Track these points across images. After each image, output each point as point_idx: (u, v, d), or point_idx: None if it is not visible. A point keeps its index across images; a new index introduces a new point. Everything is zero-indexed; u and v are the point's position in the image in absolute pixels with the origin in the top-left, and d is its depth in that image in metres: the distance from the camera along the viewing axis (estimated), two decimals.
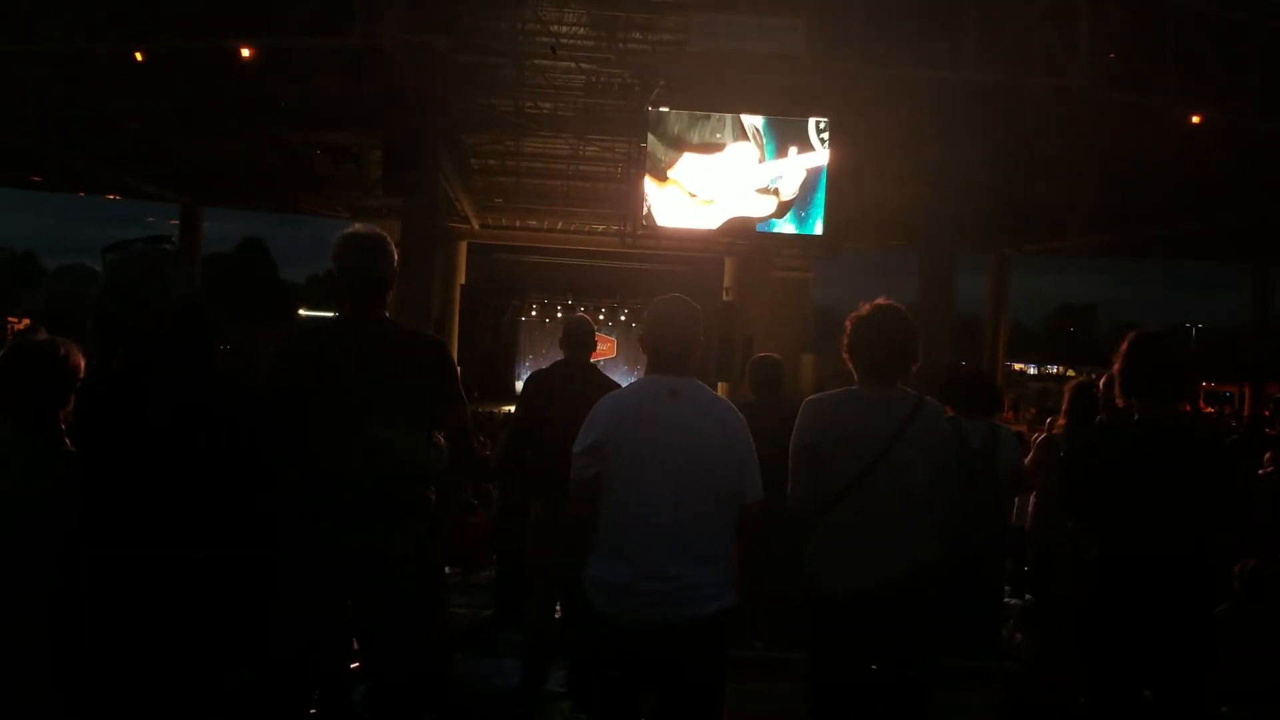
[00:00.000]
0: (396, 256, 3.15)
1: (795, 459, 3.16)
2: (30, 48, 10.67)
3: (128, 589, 2.60)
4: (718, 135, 12.05)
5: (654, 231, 12.57)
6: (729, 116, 11.99)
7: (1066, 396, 5.58)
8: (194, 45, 10.73)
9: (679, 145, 12.02)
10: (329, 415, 2.94)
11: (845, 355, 3.24)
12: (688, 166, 12.03)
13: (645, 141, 12.14)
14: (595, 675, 3.17)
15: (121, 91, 12.35)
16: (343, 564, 2.94)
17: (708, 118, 11.97)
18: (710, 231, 12.72)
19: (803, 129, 12.21)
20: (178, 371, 2.71)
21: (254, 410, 2.84)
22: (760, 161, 12.17)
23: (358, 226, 3.20)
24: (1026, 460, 5.61)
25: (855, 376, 3.21)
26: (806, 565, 3.15)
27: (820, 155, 12.26)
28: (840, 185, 12.90)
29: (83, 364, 2.78)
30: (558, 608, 4.68)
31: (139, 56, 10.73)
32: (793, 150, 12.20)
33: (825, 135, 12.19)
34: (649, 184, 12.04)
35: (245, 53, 10.59)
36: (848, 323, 3.24)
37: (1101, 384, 4.97)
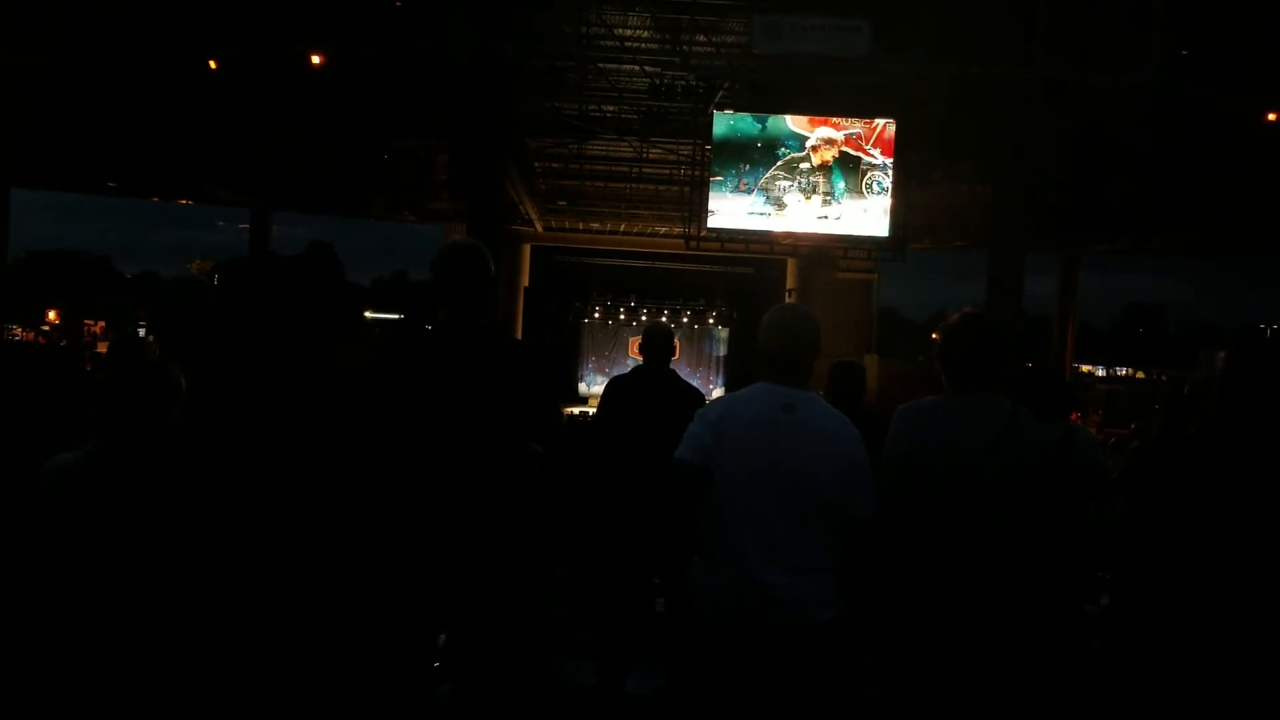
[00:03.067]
0: (493, 266, 3.20)
1: (888, 466, 3.12)
2: (105, 57, 10.94)
3: (227, 595, 2.65)
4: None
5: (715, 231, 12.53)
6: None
7: (1164, 401, 5.46)
8: (265, 52, 10.94)
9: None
10: (428, 422, 2.98)
11: (938, 364, 3.20)
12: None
13: (709, 144, 12.14)
14: (696, 680, 3.16)
15: (195, 99, 12.63)
16: (437, 567, 2.98)
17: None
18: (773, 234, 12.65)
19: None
20: (289, 373, 2.75)
21: (354, 407, 2.88)
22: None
23: (459, 237, 3.26)
24: (1115, 464, 5.51)
25: (947, 385, 3.17)
26: (897, 572, 3.11)
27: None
28: (906, 186, 12.78)
29: (184, 382, 2.79)
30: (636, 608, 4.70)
31: (212, 65, 10.97)
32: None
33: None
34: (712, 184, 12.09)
35: (315, 59, 10.78)
36: (937, 332, 3.20)
37: (1186, 390, 4.86)
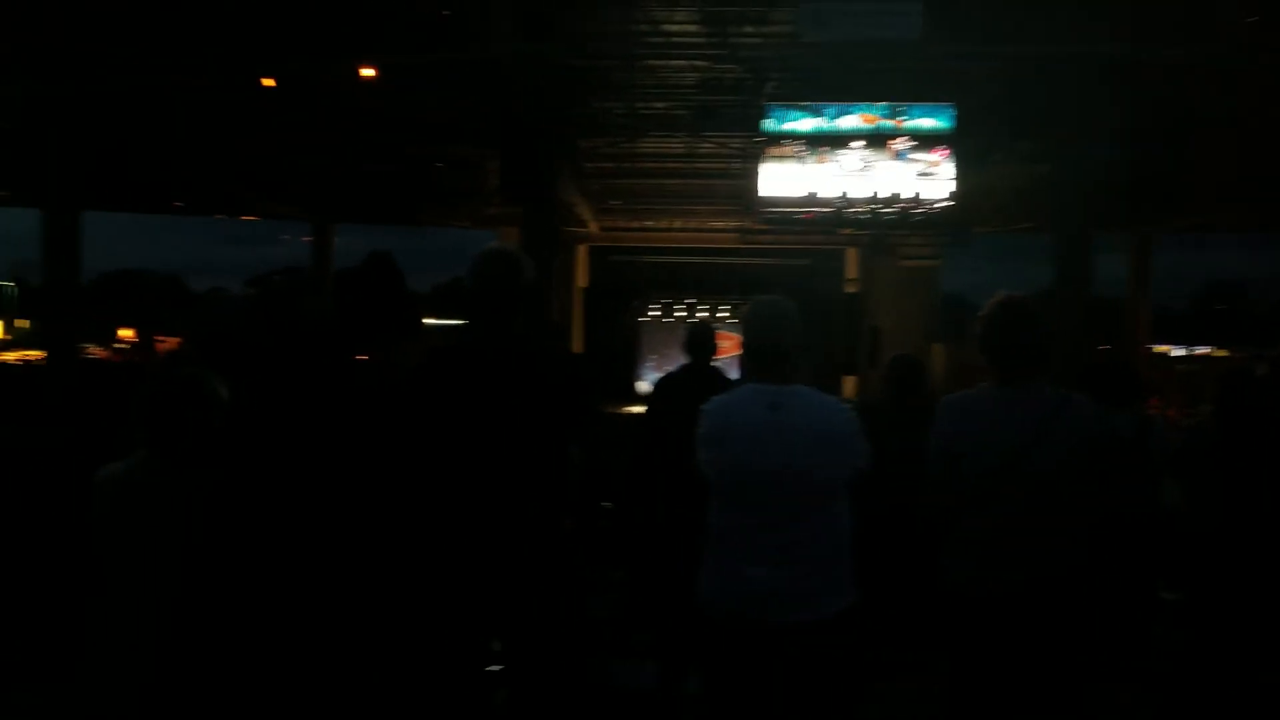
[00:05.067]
0: (530, 272, 3.19)
1: (933, 460, 3.07)
2: (165, 81, 11.17)
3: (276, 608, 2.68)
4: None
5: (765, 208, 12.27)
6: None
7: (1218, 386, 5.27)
8: (318, 69, 11.07)
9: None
10: (463, 430, 3.00)
11: (980, 352, 3.14)
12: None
13: (761, 136, 11.99)
14: (715, 679, 3.15)
15: (253, 118, 12.86)
16: (484, 573, 2.99)
17: None
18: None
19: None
20: (316, 391, 2.80)
21: (390, 418, 2.92)
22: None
23: (494, 243, 3.28)
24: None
25: (991, 374, 3.10)
26: (944, 567, 3.05)
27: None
28: (967, 169, 12.51)
29: (227, 394, 2.85)
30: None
31: (268, 83, 11.14)
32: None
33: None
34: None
35: (366, 73, 10.88)
36: (978, 320, 3.14)
37: (1266, 368, 4.68)
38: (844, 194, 11.91)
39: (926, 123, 12.04)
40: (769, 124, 11.92)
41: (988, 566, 2.96)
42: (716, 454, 2.92)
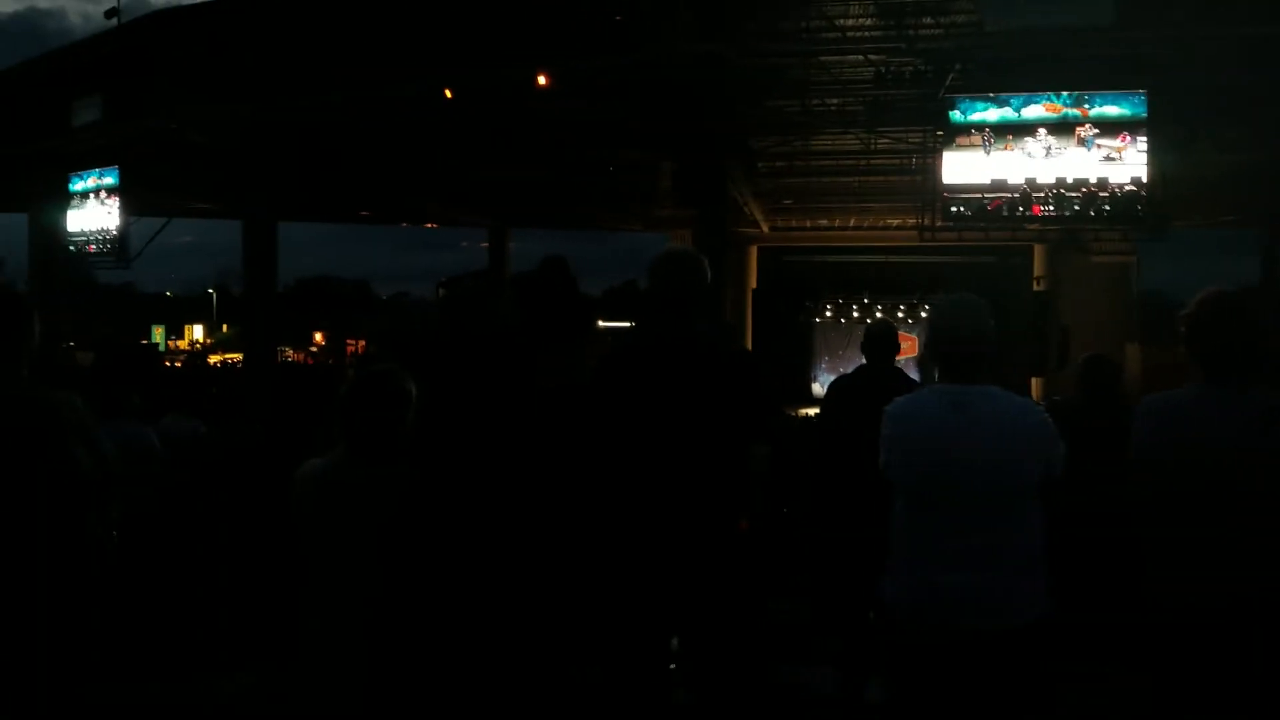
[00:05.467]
0: (709, 273, 3.18)
1: (1135, 466, 2.88)
2: (350, 95, 11.70)
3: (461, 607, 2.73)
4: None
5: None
6: None
7: None
8: (495, 78, 11.37)
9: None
10: (644, 430, 3.00)
11: (1185, 352, 2.93)
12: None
13: (940, 129, 11.59)
14: (902, 686, 3.04)
15: (433, 128, 13.33)
16: (667, 574, 2.99)
17: None
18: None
19: None
20: (500, 392, 2.84)
21: (566, 418, 2.94)
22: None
23: (673, 245, 3.30)
24: None
25: (1197, 374, 2.87)
26: (1150, 577, 2.86)
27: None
28: (1163, 159, 11.76)
29: (415, 391, 2.94)
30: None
31: (448, 94, 11.52)
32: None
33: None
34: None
35: (541, 80, 11.10)
36: (1183, 318, 2.92)
37: None
38: (1031, 179, 11.31)
39: (1113, 110, 11.34)
40: (955, 115, 11.47)
41: (1194, 580, 2.76)
42: (902, 456, 2.82)
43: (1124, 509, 3.02)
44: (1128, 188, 11.13)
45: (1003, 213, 11.40)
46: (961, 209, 11.52)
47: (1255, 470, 2.68)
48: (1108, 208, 11.23)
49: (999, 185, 11.42)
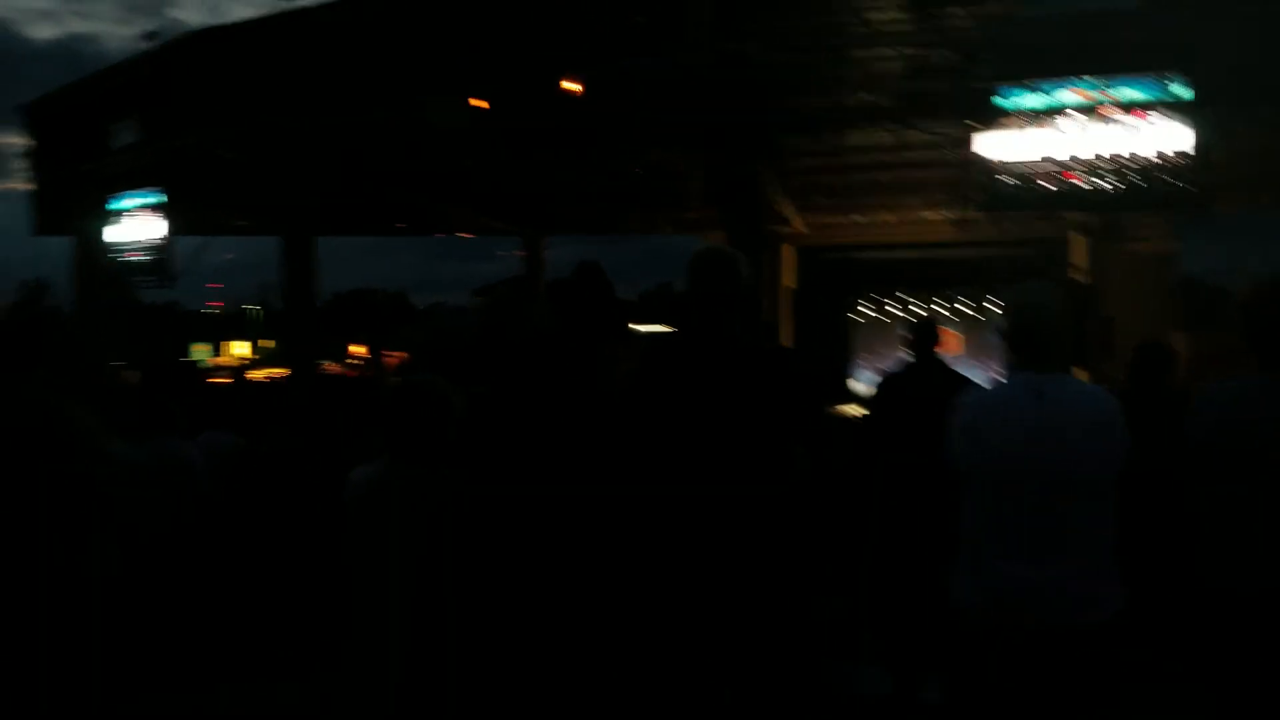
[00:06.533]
0: (747, 271, 3.18)
1: (1193, 453, 2.83)
2: (385, 108, 11.79)
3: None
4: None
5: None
6: None
7: None
8: (523, 87, 11.41)
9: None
10: (685, 431, 3.00)
11: (1243, 339, 2.87)
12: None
13: (985, 115, 11.47)
14: (967, 685, 3.00)
15: (464, 139, 13.39)
16: (708, 574, 2.98)
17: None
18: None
19: None
20: (541, 394, 2.87)
21: (613, 420, 2.96)
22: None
23: (708, 244, 3.32)
24: None
25: (1255, 362, 2.82)
26: (1205, 567, 2.81)
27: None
28: (1204, 143, 11.57)
29: (459, 399, 2.99)
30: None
31: (481, 104, 11.57)
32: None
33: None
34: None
35: (569, 85, 11.12)
36: (1239, 305, 2.86)
37: None
38: (1068, 154, 11.28)
39: (1135, 93, 11.30)
40: (999, 100, 11.42)
41: (1252, 569, 2.70)
42: (977, 446, 2.79)
43: (1185, 500, 2.98)
44: (1156, 160, 11.09)
45: (1041, 185, 11.37)
46: (1008, 179, 11.48)
47: None
48: (1139, 180, 11.17)
49: (1044, 160, 11.35)
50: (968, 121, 12.01)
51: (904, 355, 4.80)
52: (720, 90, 10.70)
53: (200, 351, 44.46)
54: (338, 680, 3.02)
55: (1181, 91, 11.28)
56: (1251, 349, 2.80)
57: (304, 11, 12.11)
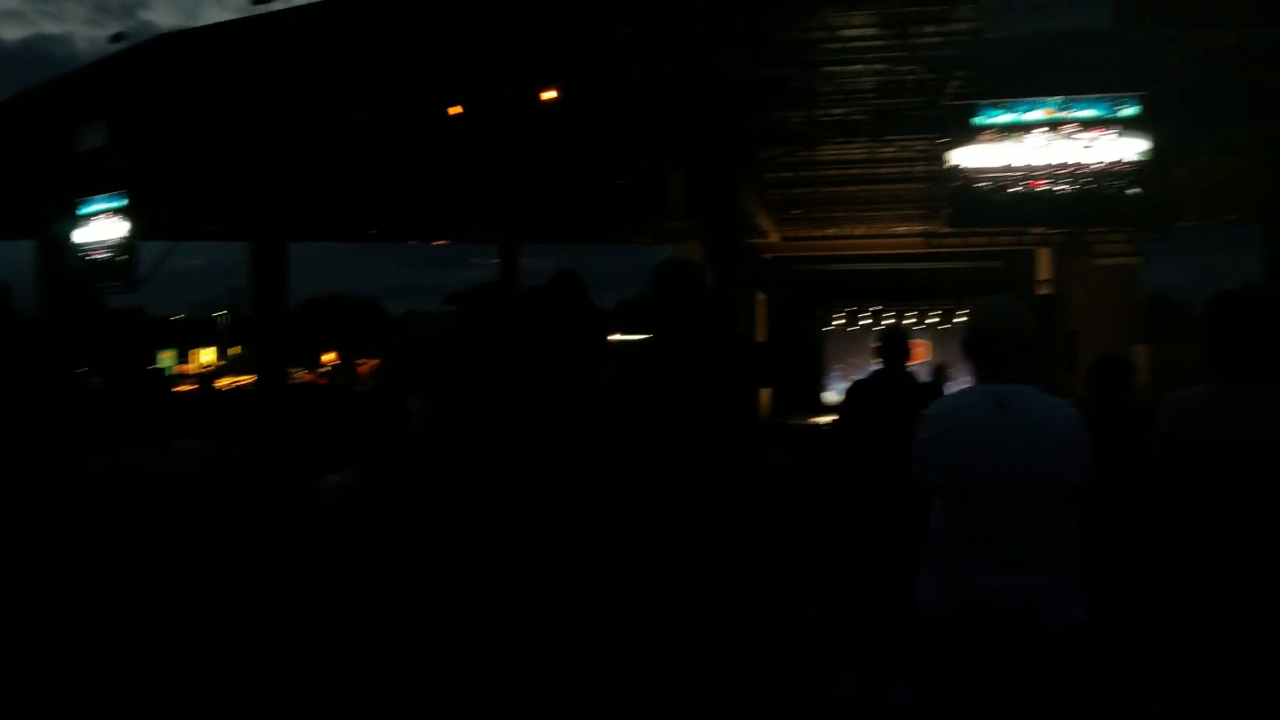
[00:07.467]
0: (708, 280, 3.22)
1: (1158, 466, 2.87)
2: (358, 113, 11.77)
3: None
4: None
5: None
6: None
7: None
8: (504, 93, 11.43)
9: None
10: (656, 439, 3.03)
11: (1207, 349, 2.91)
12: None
13: (943, 137, 11.69)
14: (936, 692, 3.04)
15: (441, 145, 13.39)
16: (675, 574, 3.00)
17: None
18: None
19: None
20: (518, 401, 2.89)
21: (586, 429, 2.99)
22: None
23: (671, 255, 3.35)
24: None
25: (1217, 373, 2.86)
26: (1178, 579, 2.85)
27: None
28: (1166, 160, 11.82)
29: (412, 407, 3.04)
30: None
31: (454, 110, 11.57)
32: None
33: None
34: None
35: (548, 95, 11.15)
36: (1203, 316, 2.91)
37: None
38: (1030, 165, 11.79)
39: (1097, 113, 11.83)
40: (976, 119, 11.77)
41: (1227, 581, 2.75)
42: (942, 456, 2.82)
43: (1150, 510, 3.02)
44: (1118, 177, 11.58)
45: (1010, 192, 11.78)
46: (982, 184, 11.89)
47: (1274, 468, 2.67)
48: (1103, 195, 11.64)
49: (1007, 168, 11.80)
50: (939, 138, 12.22)
51: (874, 365, 4.84)
52: (699, 101, 10.77)
53: (167, 359, 43.97)
54: (316, 688, 3.04)
55: (1142, 111, 11.62)
56: (1212, 361, 2.85)
57: (278, 14, 12.04)
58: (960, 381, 3.15)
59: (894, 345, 4.70)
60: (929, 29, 11.32)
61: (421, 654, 2.84)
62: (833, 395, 21.16)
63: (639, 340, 3.46)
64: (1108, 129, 11.83)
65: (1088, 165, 11.93)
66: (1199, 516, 2.78)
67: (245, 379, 21.99)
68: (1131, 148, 11.97)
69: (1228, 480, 2.71)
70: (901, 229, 19.41)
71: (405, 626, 2.85)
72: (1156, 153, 11.98)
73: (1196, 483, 2.77)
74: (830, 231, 20.86)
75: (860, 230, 20.56)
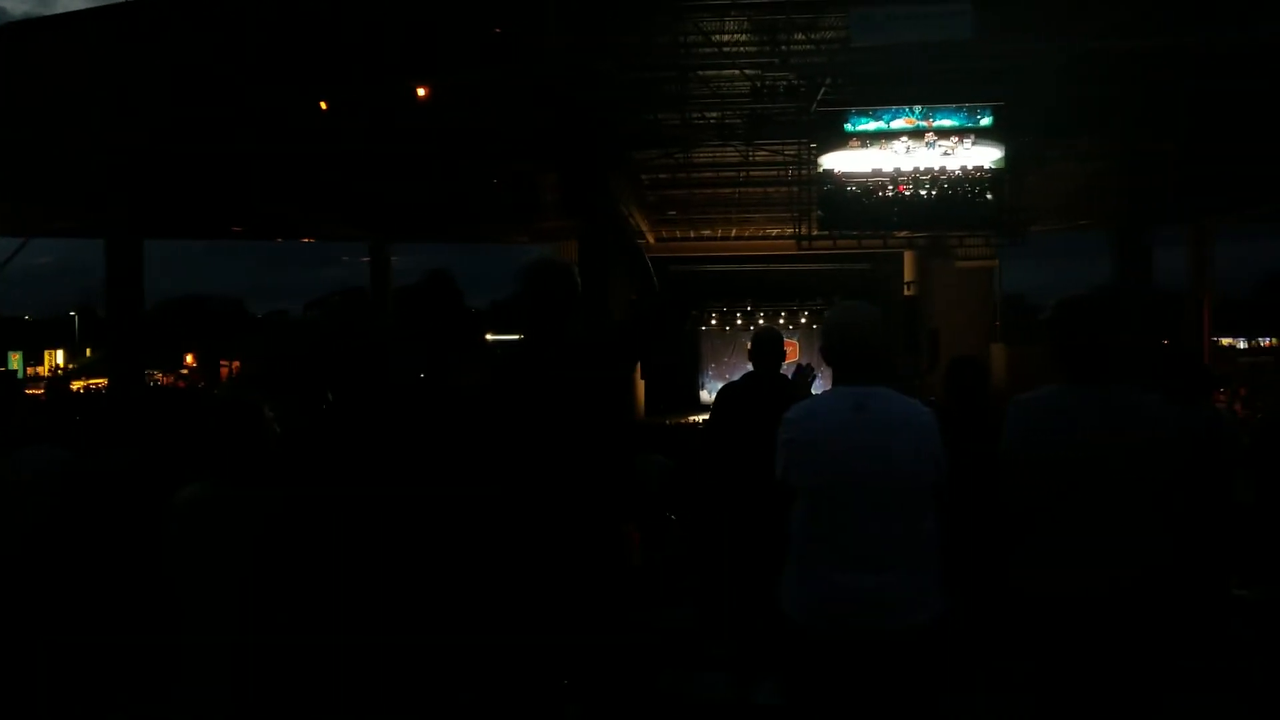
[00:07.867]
0: (577, 279, 3.21)
1: (1003, 463, 2.98)
2: (216, 108, 11.40)
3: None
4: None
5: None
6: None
7: None
8: (373, 89, 11.22)
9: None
10: (524, 441, 3.01)
11: (1051, 351, 3.04)
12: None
13: (814, 142, 12.02)
14: (800, 689, 3.09)
15: (310, 140, 13.05)
16: (544, 577, 2.98)
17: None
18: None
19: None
20: (377, 407, 2.84)
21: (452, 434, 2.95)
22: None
23: (538, 254, 3.32)
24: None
25: (1060, 374, 3.00)
26: (1020, 572, 2.98)
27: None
28: (1020, 168, 12.42)
29: (272, 416, 2.97)
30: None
31: (323, 106, 11.31)
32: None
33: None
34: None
35: (420, 92, 11.01)
36: (1047, 320, 3.05)
37: None
38: (897, 168, 12.85)
39: (953, 122, 12.95)
40: (847, 126, 12.67)
41: (1068, 572, 2.88)
42: (802, 457, 2.87)
43: (994, 507, 3.11)
44: (976, 183, 12.79)
45: (877, 197, 12.92)
46: (852, 189, 12.90)
47: (1115, 465, 2.81)
48: (962, 200, 12.82)
49: (875, 173, 12.88)
50: (810, 143, 12.54)
51: (747, 367, 4.90)
52: (574, 103, 10.79)
53: (16, 360, 41.70)
54: (169, 703, 2.94)
55: (997, 120, 12.21)
56: (1057, 362, 3.00)
57: (137, 3, 11.56)
58: (825, 381, 3.22)
59: (766, 348, 4.71)
60: (799, 36, 11.57)
61: (268, 670, 2.77)
62: (707, 395, 21.46)
63: (513, 340, 3.44)
64: (966, 137, 12.51)
65: (949, 171, 12.63)
66: (1040, 512, 2.90)
67: (98, 381, 21.04)
68: (988, 155, 12.64)
69: (1067, 477, 2.83)
70: (774, 231, 19.80)
71: (250, 645, 2.78)
72: (1012, 160, 12.61)
73: (1038, 479, 2.89)
74: (705, 233, 21.13)
75: (734, 232, 20.90)
